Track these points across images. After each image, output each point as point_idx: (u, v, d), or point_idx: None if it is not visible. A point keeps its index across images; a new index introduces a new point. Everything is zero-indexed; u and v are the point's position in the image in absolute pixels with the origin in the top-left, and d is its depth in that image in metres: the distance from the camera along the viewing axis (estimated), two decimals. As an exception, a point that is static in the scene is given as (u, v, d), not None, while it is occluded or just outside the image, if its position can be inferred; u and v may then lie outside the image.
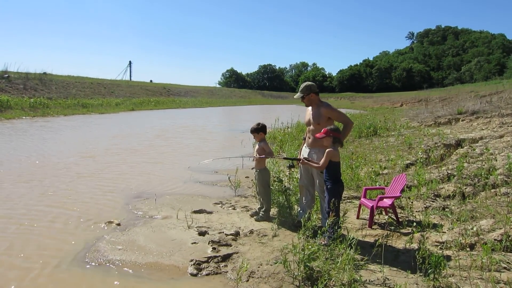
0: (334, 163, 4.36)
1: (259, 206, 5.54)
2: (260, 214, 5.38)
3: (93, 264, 4.01)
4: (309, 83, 4.88)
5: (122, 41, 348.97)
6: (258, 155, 5.39)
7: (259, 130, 5.40)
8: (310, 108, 4.93)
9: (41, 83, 33.50)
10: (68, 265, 3.99)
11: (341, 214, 4.82)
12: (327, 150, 4.35)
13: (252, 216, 5.50)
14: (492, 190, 5.73)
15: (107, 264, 4.01)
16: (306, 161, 4.63)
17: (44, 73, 37.95)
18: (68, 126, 18.76)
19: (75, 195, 6.58)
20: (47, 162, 9.37)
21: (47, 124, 19.19)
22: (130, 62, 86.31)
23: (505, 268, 3.59)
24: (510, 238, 3.85)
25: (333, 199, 4.23)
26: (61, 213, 5.65)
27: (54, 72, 42.24)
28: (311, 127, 4.82)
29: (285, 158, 5.36)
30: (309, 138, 4.86)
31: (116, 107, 34.19)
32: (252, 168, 5.68)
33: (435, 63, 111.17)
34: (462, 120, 14.65)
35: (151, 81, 71.96)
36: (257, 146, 5.49)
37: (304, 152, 4.94)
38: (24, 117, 21.85)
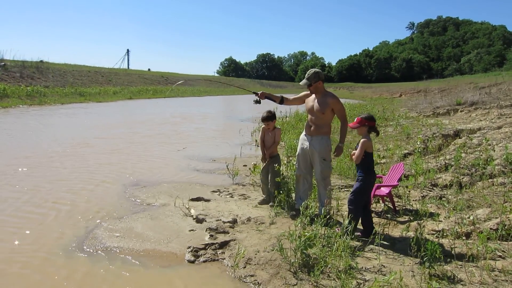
0: (368, 154, 4.19)
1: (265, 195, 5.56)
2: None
3: (90, 251, 4.02)
4: (317, 70, 4.78)
5: (120, 30, 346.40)
6: (265, 143, 5.47)
7: (273, 117, 5.43)
8: (312, 96, 4.87)
9: (37, 71, 33.17)
10: (65, 252, 3.99)
11: (337, 203, 4.85)
12: (362, 140, 4.17)
13: (260, 204, 5.50)
14: (489, 180, 5.76)
15: (105, 251, 4.02)
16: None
17: (41, 61, 37.60)
18: (64, 114, 18.68)
19: (73, 182, 6.57)
20: (45, 150, 9.34)
21: (43, 112, 19.11)
22: (128, 50, 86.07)
23: (500, 256, 3.62)
24: (505, 227, 3.87)
25: (359, 190, 4.17)
26: (59, 200, 5.64)
27: (51, 60, 41.88)
28: (314, 115, 4.78)
29: (254, 93, 5.19)
30: (311, 127, 4.81)
31: (113, 96, 34.00)
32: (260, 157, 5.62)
33: (435, 54, 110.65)
34: (461, 111, 14.66)
35: (149, 69, 71.56)
36: (269, 134, 5.47)
37: (304, 140, 4.91)
38: (21, 106, 21.72)
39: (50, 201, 5.58)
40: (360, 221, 4.23)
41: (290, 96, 5.27)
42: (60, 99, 26.79)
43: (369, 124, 4.19)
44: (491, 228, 3.98)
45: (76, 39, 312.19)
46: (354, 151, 4.27)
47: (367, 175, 4.21)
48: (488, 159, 6.50)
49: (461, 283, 3.21)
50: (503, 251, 3.69)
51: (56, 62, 42.63)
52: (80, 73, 39.98)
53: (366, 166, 4.22)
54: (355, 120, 4.29)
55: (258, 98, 5.09)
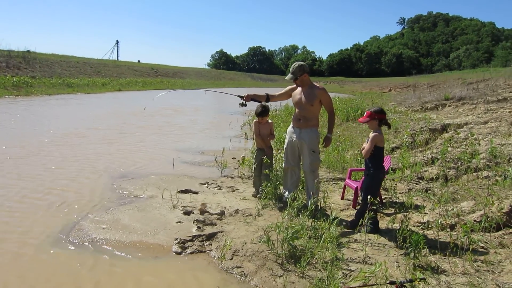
0: (378, 148, 4.11)
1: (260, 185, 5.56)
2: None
3: (76, 243, 3.98)
4: (302, 63, 4.78)
5: (110, 21, 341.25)
6: (262, 136, 5.46)
7: (268, 112, 5.44)
8: (299, 89, 4.86)
9: (24, 61, 32.61)
10: (50, 244, 3.95)
11: (324, 195, 4.87)
12: (373, 134, 4.09)
13: (254, 196, 5.52)
14: (474, 174, 5.84)
15: (91, 242, 3.98)
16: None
17: (28, 51, 36.93)
18: (54, 105, 18.40)
19: (60, 174, 6.49)
20: (35, 140, 9.20)
21: (32, 103, 18.79)
22: (117, 41, 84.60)
23: (482, 247, 3.69)
24: (488, 219, 3.93)
25: (373, 186, 4.15)
26: (44, 190, 5.58)
27: (38, 50, 41.13)
28: (302, 108, 4.77)
29: (239, 96, 5.17)
30: (299, 119, 4.81)
31: (102, 87, 33.56)
32: (259, 148, 5.57)
33: (424, 49, 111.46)
34: (449, 106, 14.82)
35: (138, 61, 70.86)
36: (264, 127, 5.48)
37: (292, 133, 4.91)
38: (7, 96, 21.31)
39: (35, 192, 5.51)
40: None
41: (275, 92, 5.24)
42: (47, 90, 26.36)
43: (379, 117, 4.08)
44: (474, 220, 4.04)
45: (65, 30, 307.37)
46: (364, 145, 4.21)
47: (377, 170, 4.14)
48: (474, 153, 6.59)
49: (445, 273, 3.26)
50: (485, 242, 3.76)
51: (44, 52, 41.91)
52: (68, 63, 39.40)
53: (375, 160, 4.14)
54: (364, 114, 4.19)
55: (244, 101, 5.08)
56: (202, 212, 4.82)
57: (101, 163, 7.37)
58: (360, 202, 4.35)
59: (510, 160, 6.23)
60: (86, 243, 3.97)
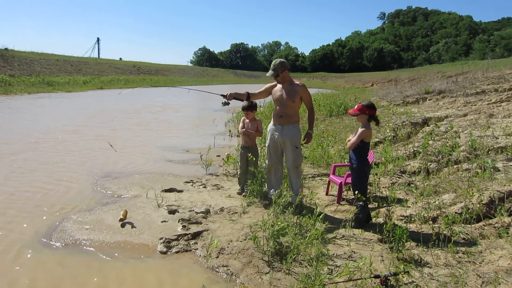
0: (364, 143, 4.13)
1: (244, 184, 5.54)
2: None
3: (59, 244, 3.90)
4: (282, 59, 4.78)
5: (90, 18, 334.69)
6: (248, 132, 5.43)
7: (252, 107, 5.41)
8: (279, 86, 4.87)
9: (2, 59, 31.77)
10: (33, 246, 3.86)
11: (310, 191, 4.89)
12: (361, 129, 4.09)
13: (239, 194, 5.50)
14: (455, 166, 5.96)
15: (74, 243, 3.91)
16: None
17: (6, 48, 35.99)
18: (38, 104, 17.97)
19: (41, 174, 6.35)
20: (17, 141, 8.97)
21: (13, 102, 18.32)
22: (98, 38, 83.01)
23: (464, 239, 3.77)
24: (469, 211, 4.02)
25: (359, 180, 4.16)
26: (27, 192, 5.45)
27: (17, 48, 40.08)
28: (284, 104, 4.77)
29: (221, 95, 5.17)
30: (281, 116, 4.82)
31: (83, 86, 32.96)
32: (244, 146, 5.54)
33: (405, 43, 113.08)
34: (429, 100, 15.07)
35: (120, 59, 69.78)
36: (249, 125, 5.44)
37: (274, 131, 4.90)
38: (-17, 95, 20.74)
39: (16, 191, 5.39)
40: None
41: (255, 91, 5.24)
42: (27, 88, 25.75)
43: (369, 113, 4.09)
44: (456, 212, 4.13)
45: (44, 28, 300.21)
46: (350, 137, 4.23)
47: (360, 164, 4.17)
48: (454, 146, 6.72)
49: (428, 265, 3.32)
50: (466, 233, 3.84)
51: (22, 50, 40.85)
52: (47, 61, 38.55)
53: (360, 154, 4.17)
54: (355, 107, 4.19)
55: (226, 100, 5.06)
56: (122, 220, 4.42)
57: (84, 162, 7.25)
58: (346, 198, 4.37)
59: (489, 152, 6.38)
60: (69, 244, 3.89)
